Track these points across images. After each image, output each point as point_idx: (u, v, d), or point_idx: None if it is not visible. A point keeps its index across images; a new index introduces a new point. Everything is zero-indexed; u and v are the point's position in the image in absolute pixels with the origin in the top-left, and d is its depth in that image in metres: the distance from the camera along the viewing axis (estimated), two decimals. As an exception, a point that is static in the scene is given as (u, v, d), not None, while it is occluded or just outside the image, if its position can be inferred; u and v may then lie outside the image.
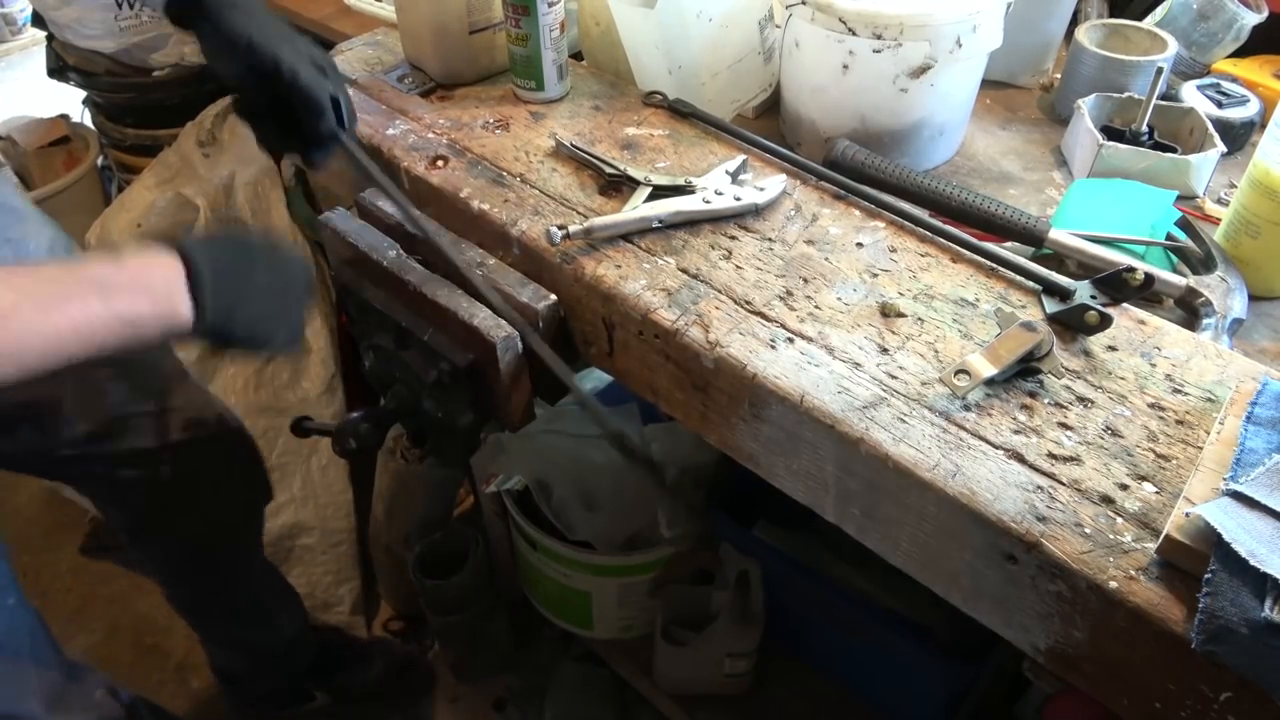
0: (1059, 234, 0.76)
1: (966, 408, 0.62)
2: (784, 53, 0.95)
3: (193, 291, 0.67)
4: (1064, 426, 0.60)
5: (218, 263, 0.70)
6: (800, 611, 1.29)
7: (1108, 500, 0.56)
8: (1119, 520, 0.55)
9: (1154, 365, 0.65)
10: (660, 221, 0.78)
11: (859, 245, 0.77)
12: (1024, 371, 0.64)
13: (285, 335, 0.77)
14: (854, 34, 0.84)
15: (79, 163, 2.14)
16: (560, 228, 0.75)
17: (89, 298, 0.62)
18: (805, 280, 0.73)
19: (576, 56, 1.07)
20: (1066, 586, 0.53)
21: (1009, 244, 0.77)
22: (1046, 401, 0.62)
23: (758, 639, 1.28)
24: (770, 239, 0.78)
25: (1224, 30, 0.98)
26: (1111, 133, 0.89)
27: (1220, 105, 0.94)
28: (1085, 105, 0.91)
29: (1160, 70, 0.84)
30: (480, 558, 1.50)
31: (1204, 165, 0.86)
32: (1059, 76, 1.04)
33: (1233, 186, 0.89)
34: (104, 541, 1.81)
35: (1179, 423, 0.61)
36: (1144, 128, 0.88)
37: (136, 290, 0.65)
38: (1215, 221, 0.83)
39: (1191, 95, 0.96)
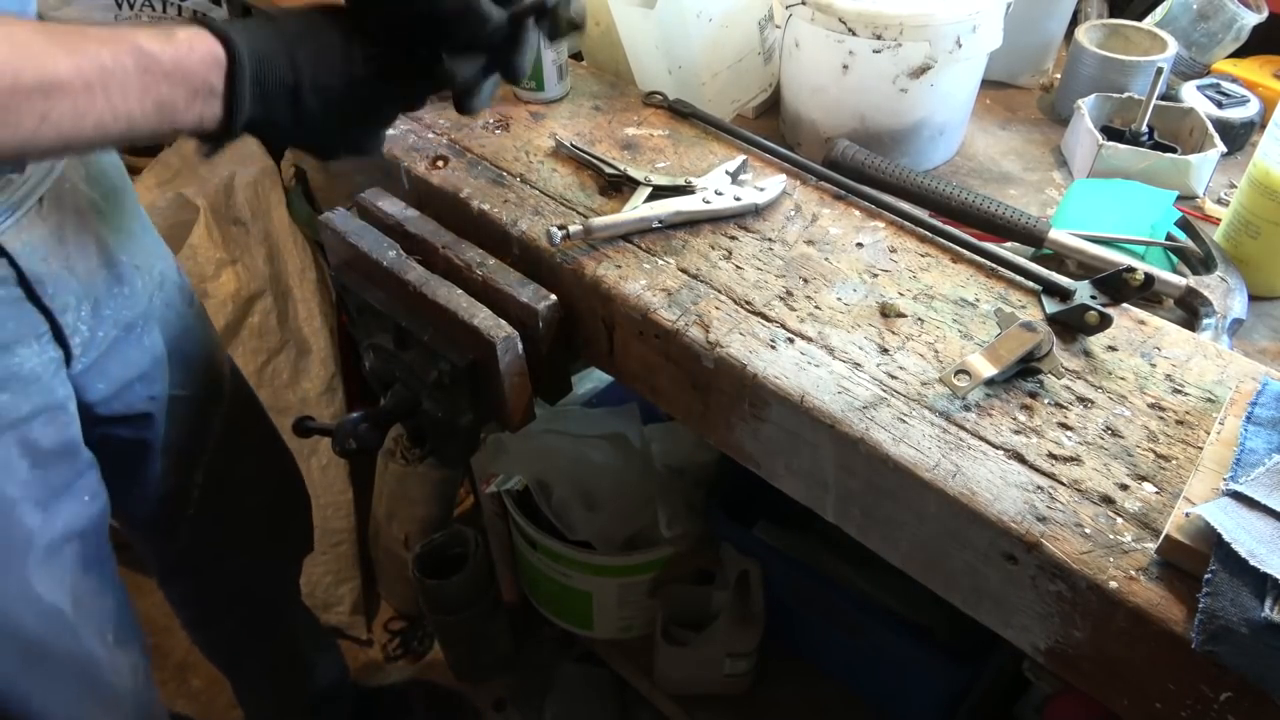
0: (1059, 234, 0.76)
1: (966, 408, 0.62)
2: (784, 53, 0.95)
3: (229, 94, 0.57)
4: (1064, 426, 0.61)
5: (266, 63, 0.59)
6: (800, 611, 1.29)
7: (1108, 500, 0.56)
8: (1119, 520, 0.55)
9: (1154, 365, 0.65)
10: (660, 221, 0.78)
11: (859, 245, 0.77)
12: (1024, 371, 0.64)
13: (357, 143, 0.66)
14: (854, 34, 0.84)
15: (79, 163, 2.14)
16: (560, 228, 0.75)
17: (125, 59, 0.53)
18: (805, 280, 0.73)
19: (576, 56, 1.07)
20: (1066, 586, 0.53)
21: (1009, 244, 0.77)
22: (1046, 401, 0.62)
23: (758, 639, 1.28)
24: (770, 239, 0.78)
25: (1224, 30, 0.98)
26: (1111, 133, 0.89)
27: (1220, 105, 0.94)
28: (1085, 105, 0.91)
29: (1160, 70, 0.84)
30: (480, 558, 1.50)
31: (1204, 165, 0.86)
32: (1059, 76, 1.04)
33: (1233, 186, 0.89)
34: (104, 541, 1.81)
35: (1179, 423, 0.61)
36: (1144, 128, 0.88)
37: (175, 77, 0.55)
38: (1215, 221, 0.83)
39: (1191, 95, 0.96)
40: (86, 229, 0.80)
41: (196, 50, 0.57)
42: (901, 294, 0.71)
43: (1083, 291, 0.68)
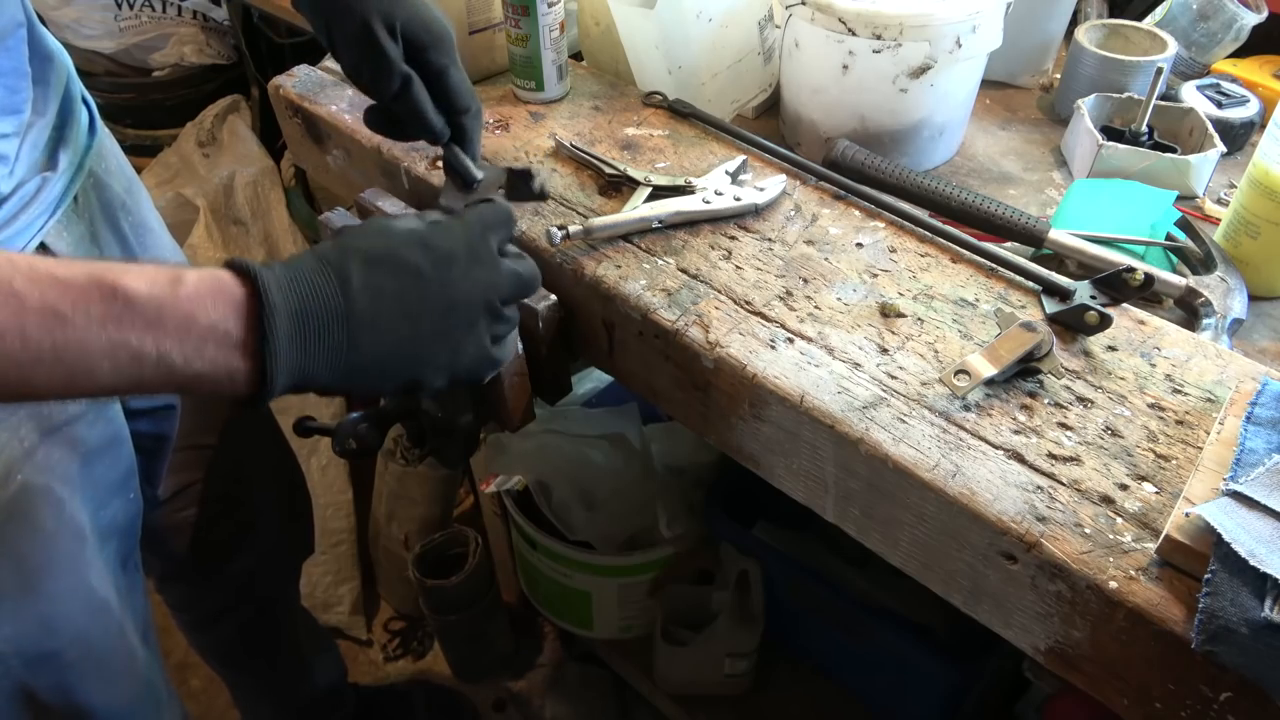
0: (1059, 234, 0.76)
1: (966, 408, 0.62)
2: (784, 53, 0.95)
3: (258, 344, 0.47)
4: (1064, 426, 0.61)
5: (306, 303, 0.48)
6: (800, 611, 1.29)
7: (1108, 500, 0.56)
8: (1119, 520, 0.55)
9: (1154, 365, 0.65)
10: (660, 222, 0.78)
11: (859, 245, 0.77)
12: (1024, 371, 0.64)
13: (444, 372, 0.55)
14: (854, 34, 0.84)
15: (79, 163, 2.14)
16: (560, 228, 0.75)
17: (90, 304, 0.43)
18: (805, 280, 0.73)
19: (576, 56, 1.07)
20: (1066, 586, 0.53)
21: (1009, 244, 0.77)
22: (1046, 401, 0.62)
23: (758, 639, 1.28)
24: (770, 239, 0.78)
25: (1224, 30, 0.98)
26: (1111, 133, 0.89)
27: (1220, 105, 0.94)
28: (1085, 105, 0.91)
29: (1160, 70, 0.84)
30: (480, 558, 1.50)
31: (1204, 165, 0.86)
32: (1059, 76, 1.04)
33: (1232, 187, 0.89)
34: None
35: (1179, 423, 0.61)
36: (1144, 128, 0.88)
37: (163, 326, 0.45)
38: (1215, 221, 0.83)
39: (1191, 95, 0.96)
40: (113, 224, 0.81)
41: (202, 291, 0.46)
42: (901, 294, 0.71)
43: (1083, 291, 0.68)
